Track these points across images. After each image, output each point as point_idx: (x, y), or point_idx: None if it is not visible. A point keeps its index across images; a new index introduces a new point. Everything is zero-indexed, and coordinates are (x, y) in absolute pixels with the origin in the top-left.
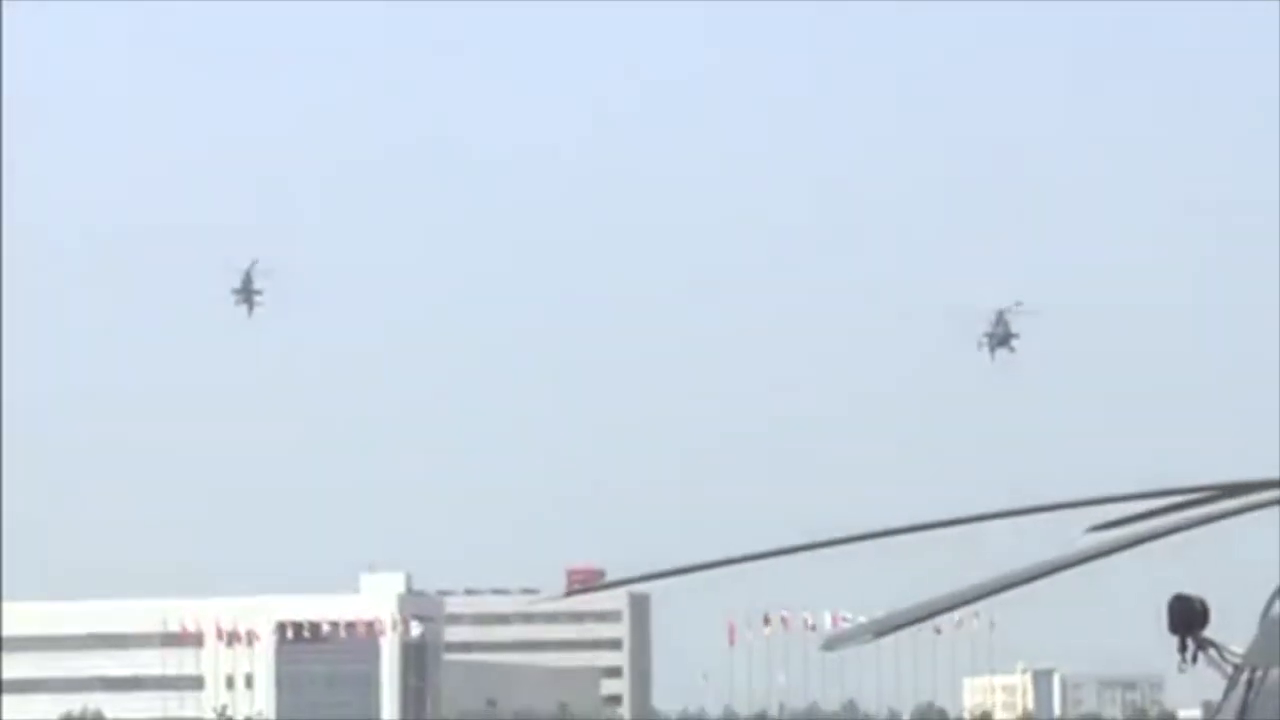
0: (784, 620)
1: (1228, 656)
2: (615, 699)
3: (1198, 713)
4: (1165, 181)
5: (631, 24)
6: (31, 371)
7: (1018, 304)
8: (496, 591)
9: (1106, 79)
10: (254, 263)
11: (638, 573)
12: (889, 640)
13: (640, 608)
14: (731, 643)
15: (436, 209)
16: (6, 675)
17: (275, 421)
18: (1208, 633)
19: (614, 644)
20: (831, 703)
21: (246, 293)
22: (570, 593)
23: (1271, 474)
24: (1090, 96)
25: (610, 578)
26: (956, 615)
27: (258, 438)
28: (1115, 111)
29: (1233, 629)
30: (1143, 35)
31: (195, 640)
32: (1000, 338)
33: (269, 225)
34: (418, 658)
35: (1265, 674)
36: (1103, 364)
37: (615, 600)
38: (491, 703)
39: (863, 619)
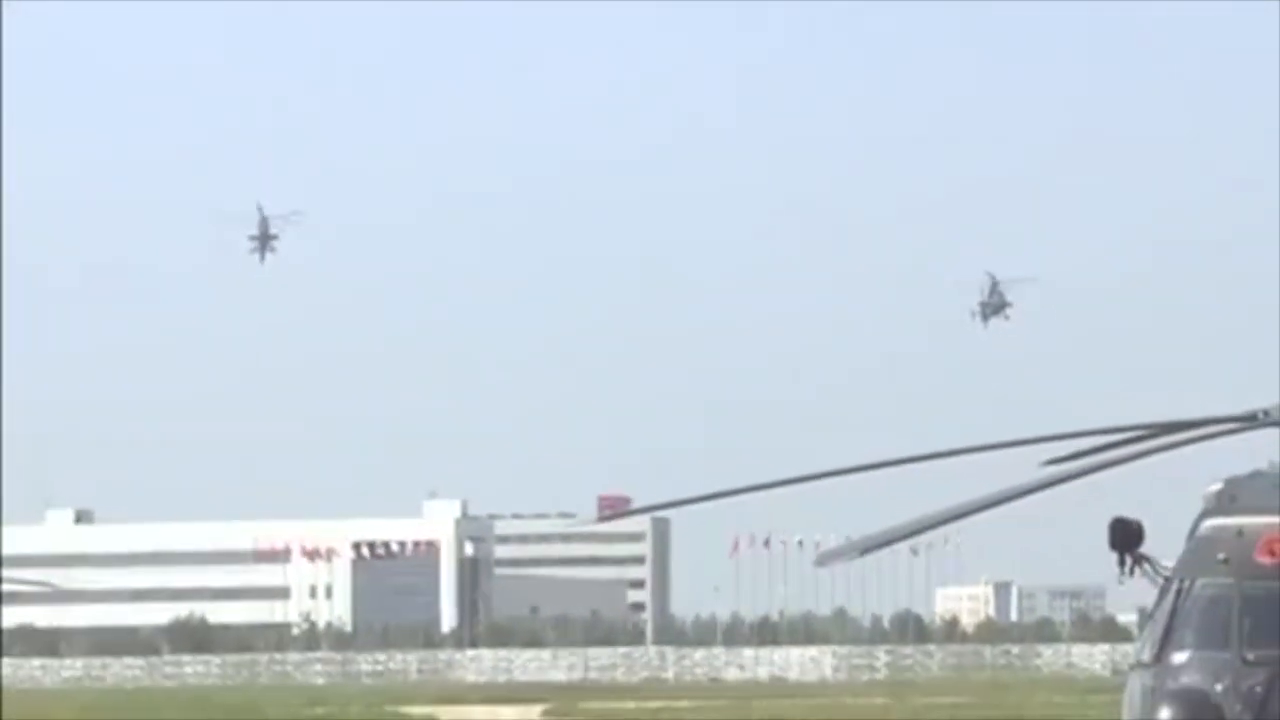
0: (783, 542)
1: (1160, 570)
2: (639, 606)
3: (1133, 617)
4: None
5: (634, 25)
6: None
7: (993, 275)
8: (538, 515)
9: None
10: (260, 208)
11: (660, 500)
12: (872, 557)
13: (661, 530)
14: (735, 551)
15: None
16: (125, 585)
17: (347, 370)
18: (1143, 550)
19: (638, 560)
20: (823, 610)
21: (263, 238)
22: (602, 518)
23: (1197, 415)
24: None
25: (636, 504)
26: (929, 536)
27: (336, 384)
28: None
29: (1164, 546)
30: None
31: (283, 556)
32: (995, 306)
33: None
34: (472, 572)
35: (1192, 584)
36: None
37: (639, 524)
38: (534, 609)
39: (850, 539)
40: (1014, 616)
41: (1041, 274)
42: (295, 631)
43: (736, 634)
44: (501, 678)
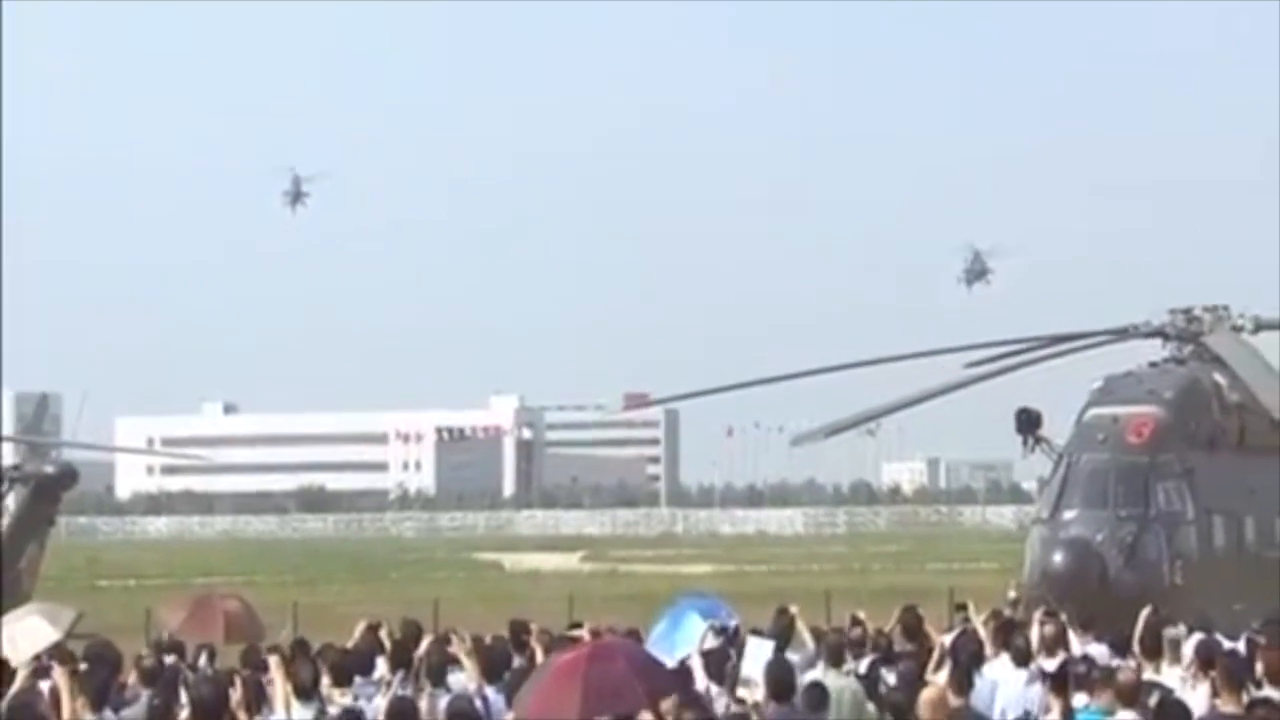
0: (766, 426)
1: (1054, 448)
2: (655, 477)
3: (1034, 485)
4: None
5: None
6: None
7: (987, 248)
8: (578, 407)
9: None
10: (318, 174)
11: (671, 394)
12: (835, 438)
13: (672, 418)
14: (730, 434)
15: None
16: (261, 460)
17: (431, 295)
18: (1041, 432)
19: (654, 442)
20: (797, 479)
21: (295, 194)
22: (627, 408)
23: (1087, 328)
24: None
25: (653, 398)
26: (878, 421)
27: (422, 307)
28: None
29: (1057, 429)
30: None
31: (382, 439)
32: (977, 273)
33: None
34: (527, 451)
35: (1077, 458)
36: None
37: (656, 413)
38: (574, 480)
39: (819, 424)
40: (942, 484)
41: (1017, 243)
42: (391, 496)
43: (730, 498)
44: (549, 532)
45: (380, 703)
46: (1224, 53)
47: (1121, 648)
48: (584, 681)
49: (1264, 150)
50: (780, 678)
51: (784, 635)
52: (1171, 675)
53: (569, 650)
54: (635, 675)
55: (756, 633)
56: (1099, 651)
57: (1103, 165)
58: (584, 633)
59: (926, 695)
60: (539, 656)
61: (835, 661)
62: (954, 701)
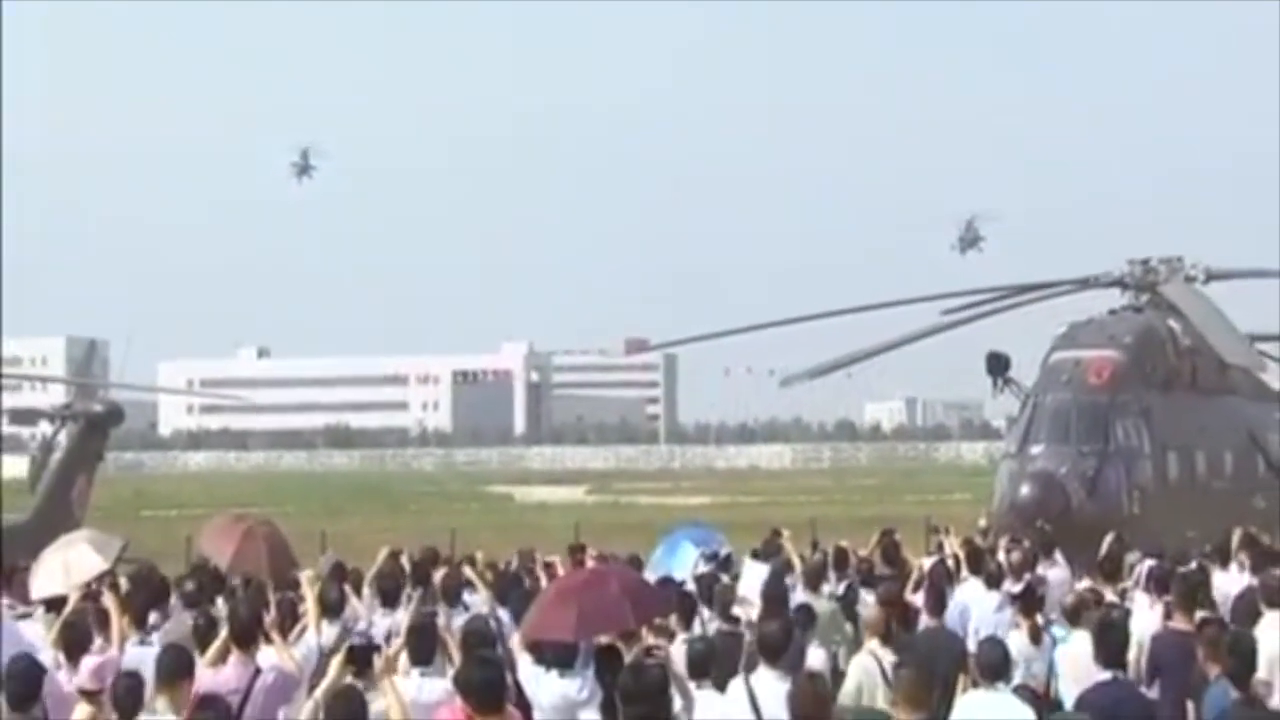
0: (758, 369)
1: (1022, 388)
2: (655, 416)
3: (1003, 423)
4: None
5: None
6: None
7: (978, 216)
8: (583, 351)
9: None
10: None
11: (669, 339)
12: (821, 379)
13: (671, 361)
14: (725, 376)
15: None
16: (292, 400)
17: (445, 252)
18: (1010, 374)
19: (654, 383)
20: (785, 418)
21: (303, 166)
22: (629, 352)
23: (1051, 278)
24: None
25: (653, 343)
26: (861, 363)
27: (438, 261)
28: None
29: (1024, 371)
30: None
31: (403, 381)
32: (970, 240)
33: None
34: (536, 392)
35: (1043, 398)
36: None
37: (655, 357)
38: (580, 418)
39: (807, 367)
40: (919, 422)
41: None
42: (412, 434)
43: (724, 435)
44: (557, 467)
45: (383, 622)
46: (1188, 28)
47: (1082, 571)
48: (579, 604)
49: (1219, 117)
50: (775, 596)
51: (779, 557)
52: (1129, 597)
53: (568, 576)
54: (626, 598)
55: (756, 555)
56: (1059, 575)
57: (1086, 138)
58: (555, 558)
59: (867, 615)
60: (543, 581)
61: (813, 585)
62: (929, 621)
